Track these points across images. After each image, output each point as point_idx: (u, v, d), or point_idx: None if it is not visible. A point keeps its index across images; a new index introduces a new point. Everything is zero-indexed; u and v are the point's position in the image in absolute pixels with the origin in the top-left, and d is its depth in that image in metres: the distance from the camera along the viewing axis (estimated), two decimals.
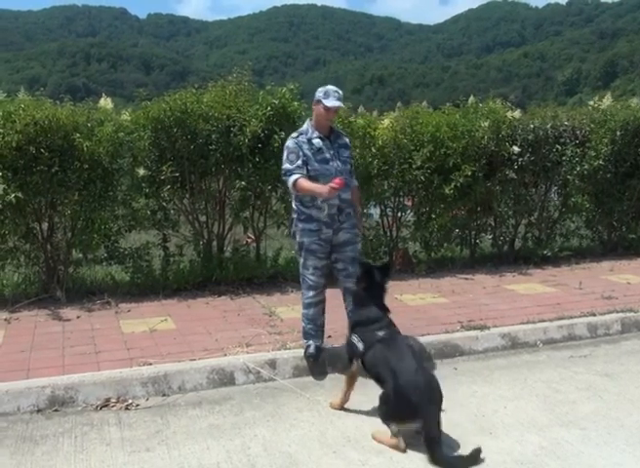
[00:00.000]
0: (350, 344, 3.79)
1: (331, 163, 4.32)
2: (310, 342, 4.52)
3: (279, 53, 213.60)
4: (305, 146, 4.31)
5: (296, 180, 4.25)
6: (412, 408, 3.29)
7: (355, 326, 3.83)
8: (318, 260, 4.38)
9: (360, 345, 3.68)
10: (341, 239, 4.39)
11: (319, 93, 4.33)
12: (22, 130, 5.70)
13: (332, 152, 4.36)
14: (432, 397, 3.35)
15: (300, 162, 4.27)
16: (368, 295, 3.90)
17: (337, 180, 4.06)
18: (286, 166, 4.34)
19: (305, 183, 4.23)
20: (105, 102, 6.69)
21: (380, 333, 3.67)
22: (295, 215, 4.46)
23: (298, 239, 4.43)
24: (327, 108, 4.27)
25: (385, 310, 3.88)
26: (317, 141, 4.33)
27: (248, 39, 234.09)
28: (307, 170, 4.27)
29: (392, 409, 3.40)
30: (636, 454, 3.32)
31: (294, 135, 4.42)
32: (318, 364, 4.49)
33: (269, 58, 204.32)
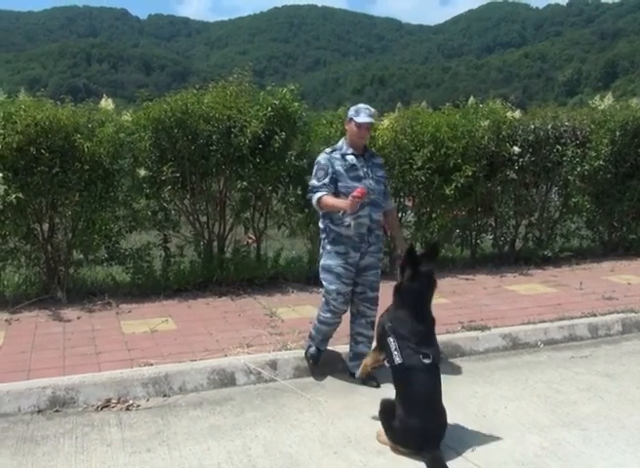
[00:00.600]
0: (384, 345, 3.48)
1: (364, 181, 4.20)
2: (313, 345, 4.50)
3: (279, 53, 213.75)
4: (338, 163, 4.25)
5: (320, 198, 4.19)
6: (413, 444, 3.30)
7: (395, 330, 3.44)
8: (344, 286, 4.26)
9: (398, 358, 3.37)
10: (365, 263, 4.29)
11: (351, 111, 4.31)
12: (23, 130, 5.70)
13: (365, 170, 4.27)
14: (435, 440, 3.31)
15: (327, 180, 4.20)
16: (414, 295, 3.50)
17: (358, 190, 3.94)
18: (313, 182, 4.29)
19: (329, 200, 4.17)
20: (106, 103, 6.70)
21: (426, 361, 3.34)
22: (323, 235, 4.37)
23: (322, 262, 4.34)
24: (359, 125, 4.22)
25: (432, 321, 3.52)
26: (351, 158, 4.26)
27: (248, 40, 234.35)
28: (338, 187, 4.20)
29: (394, 435, 3.38)
30: (637, 455, 3.32)
31: (327, 150, 4.38)
32: (318, 365, 4.48)
33: (270, 58, 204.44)
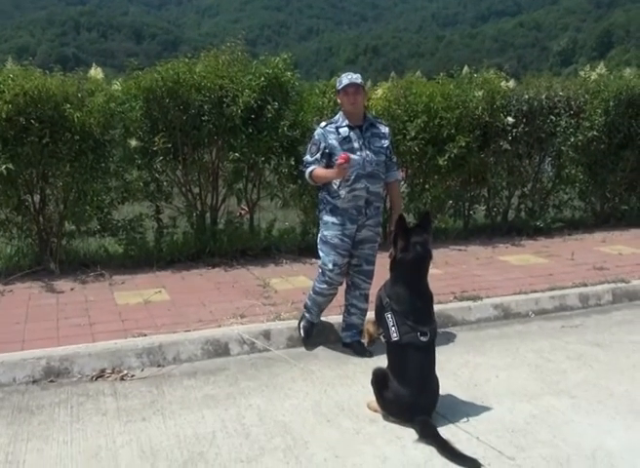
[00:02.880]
0: (382, 320, 3.47)
1: (359, 153, 4.14)
2: (306, 315, 4.52)
3: (272, 22, 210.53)
4: (332, 136, 4.19)
5: (311, 172, 4.20)
6: (405, 415, 3.32)
7: (393, 307, 3.41)
8: (340, 257, 4.24)
9: (395, 335, 3.36)
10: (362, 236, 4.28)
11: (337, 84, 4.29)
12: (12, 100, 5.62)
13: (361, 141, 4.19)
14: (428, 410, 3.34)
15: (318, 155, 4.19)
16: (409, 268, 3.44)
17: (341, 156, 3.94)
18: (306, 157, 4.30)
19: (320, 171, 4.17)
20: (96, 72, 6.62)
21: (423, 339, 3.34)
22: (320, 206, 4.35)
23: (320, 233, 4.34)
24: (345, 91, 4.15)
25: (430, 296, 3.50)
26: (344, 130, 4.19)
27: (240, 8, 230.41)
28: (332, 160, 4.14)
29: (386, 405, 3.41)
30: (625, 422, 3.37)
31: (322, 124, 4.33)
32: (309, 338, 4.50)
33: (262, 27, 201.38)
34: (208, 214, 6.91)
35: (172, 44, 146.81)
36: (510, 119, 7.63)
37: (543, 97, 7.91)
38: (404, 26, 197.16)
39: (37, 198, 6.27)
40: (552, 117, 7.95)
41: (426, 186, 7.66)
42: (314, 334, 4.53)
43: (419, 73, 8.58)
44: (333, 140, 4.18)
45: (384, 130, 4.37)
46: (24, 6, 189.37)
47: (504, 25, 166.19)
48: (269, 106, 6.36)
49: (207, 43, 7.37)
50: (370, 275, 4.39)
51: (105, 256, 6.55)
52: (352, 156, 4.06)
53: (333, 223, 4.23)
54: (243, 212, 7.30)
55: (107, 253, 6.62)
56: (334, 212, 4.22)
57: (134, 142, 6.29)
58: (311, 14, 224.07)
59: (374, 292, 3.84)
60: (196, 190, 6.85)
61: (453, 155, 7.24)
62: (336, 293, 4.46)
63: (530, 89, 8.01)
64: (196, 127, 6.39)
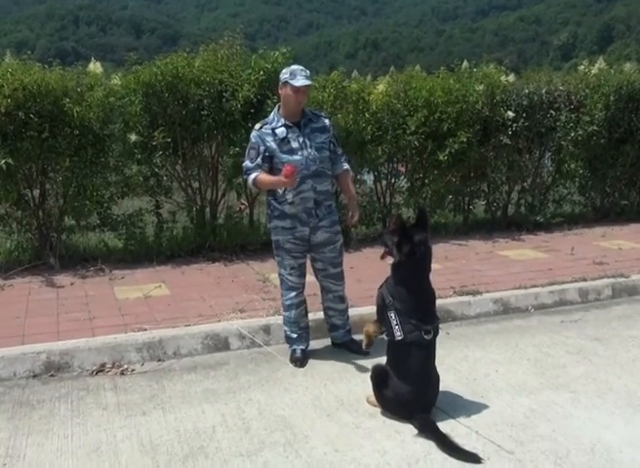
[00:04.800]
0: (384, 319, 3.42)
1: (299, 152, 3.90)
2: (295, 346, 4.25)
3: (272, 16, 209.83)
4: (269, 138, 3.94)
5: (255, 178, 3.96)
6: (404, 412, 3.32)
7: (396, 306, 3.37)
8: (294, 260, 4.06)
9: (399, 334, 3.32)
10: (319, 239, 4.05)
11: (284, 75, 3.91)
12: (11, 95, 5.62)
13: (301, 140, 3.93)
14: (427, 407, 3.35)
15: (259, 160, 3.94)
16: (413, 269, 3.40)
17: (286, 169, 3.69)
18: (246, 163, 4.03)
19: (265, 178, 3.93)
20: (95, 67, 6.59)
21: (427, 338, 3.32)
22: (268, 211, 4.13)
23: (272, 237, 4.13)
24: (296, 89, 3.85)
25: (432, 294, 3.48)
26: (281, 131, 3.93)
27: (240, 2, 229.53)
28: (274, 162, 3.94)
29: (385, 403, 3.41)
30: (624, 417, 3.38)
31: (257, 126, 4.05)
32: (305, 365, 4.16)
33: (261, 21, 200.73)
34: (208, 209, 6.91)
35: (171, 38, 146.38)
36: (511, 113, 7.62)
37: (544, 91, 7.89)
38: (404, 21, 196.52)
39: (37, 193, 6.28)
40: (552, 112, 7.94)
41: (426, 181, 7.65)
42: (314, 329, 4.47)
43: (418, 68, 8.54)
44: (271, 143, 3.94)
45: (325, 122, 4.09)
46: (23, 0, 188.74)
47: (505, 20, 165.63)
48: (269, 101, 6.35)
49: (206, 37, 7.35)
50: (338, 277, 4.20)
51: (105, 251, 6.56)
52: (294, 157, 3.87)
53: (283, 228, 4.02)
54: (243, 206, 7.29)
55: (107, 247, 6.62)
56: (282, 216, 4.01)
57: (133, 137, 6.29)
58: (311, 8, 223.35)
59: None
60: (196, 185, 6.85)
61: (453, 150, 7.23)
62: (304, 299, 4.25)
63: (530, 83, 8.00)
64: (196, 121, 6.38)
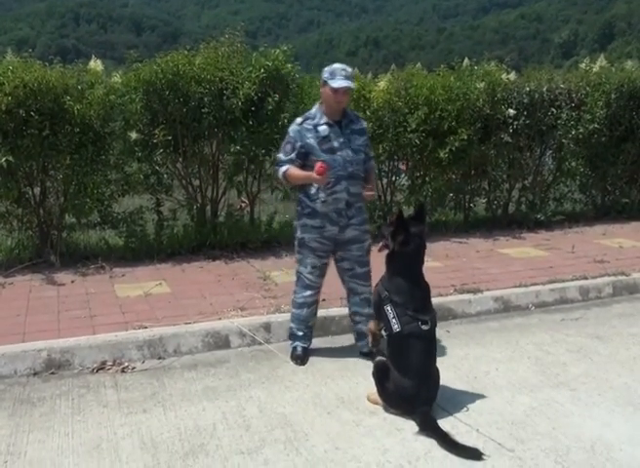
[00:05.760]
0: (382, 314, 3.44)
1: (339, 153, 3.85)
2: (297, 343, 4.22)
3: (272, 14, 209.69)
4: (309, 135, 3.87)
5: (285, 172, 3.94)
6: (407, 406, 3.33)
7: (392, 299, 3.40)
8: (318, 259, 4.02)
9: (396, 326, 3.35)
10: (348, 236, 3.98)
11: (325, 73, 3.85)
12: (12, 92, 5.61)
13: (341, 140, 3.88)
14: (428, 402, 3.35)
15: (293, 155, 3.90)
16: (407, 260, 3.45)
17: (319, 165, 3.68)
18: (279, 156, 4.01)
19: (296, 173, 3.89)
20: (95, 64, 6.59)
21: (424, 328, 3.34)
22: (299, 208, 4.07)
23: (298, 234, 4.06)
24: (334, 90, 3.78)
25: (427, 286, 3.51)
26: (323, 129, 3.87)
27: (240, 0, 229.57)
28: (310, 160, 3.86)
29: (387, 397, 3.42)
30: (624, 415, 3.38)
31: (298, 120, 3.98)
32: (305, 363, 4.15)
33: (262, 19, 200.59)
34: (208, 207, 6.91)
35: (172, 36, 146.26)
36: (511, 111, 7.61)
37: (544, 89, 7.88)
38: (405, 18, 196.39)
39: (37, 190, 6.27)
40: (553, 110, 7.93)
41: (427, 179, 7.64)
42: (316, 328, 4.42)
43: (419, 65, 8.55)
44: (311, 140, 3.87)
45: (362, 125, 4.07)
46: None
47: (506, 17, 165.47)
48: (270, 99, 6.34)
49: (207, 35, 7.34)
50: (365, 277, 4.11)
51: (106, 249, 6.55)
52: (333, 157, 3.84)
53: (312, 226, 3.98)
54: (243, 204, 7.29)
55: (108, 245, 6.62)
56: (312, 214, 3.97)
57: (134, 135, 6.28)
58: (311, 5, 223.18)
59: None
60: (196, 183, 6.84)
61: (454, 148, 7.22)
62: (318, 301, 4.22)
63: (531, 81, 7.99)
64: (196, 119, 6.37)
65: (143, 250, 6.51)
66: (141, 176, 6.60)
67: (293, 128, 3.98)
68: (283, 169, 3.96)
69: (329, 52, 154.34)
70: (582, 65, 9.00)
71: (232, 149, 6.55)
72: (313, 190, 3.93)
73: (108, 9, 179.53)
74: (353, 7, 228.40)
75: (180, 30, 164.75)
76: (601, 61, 8.97)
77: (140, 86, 6.22)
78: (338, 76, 3.80)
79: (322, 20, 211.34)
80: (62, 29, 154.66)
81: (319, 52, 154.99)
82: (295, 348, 4.24)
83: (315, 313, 4.26)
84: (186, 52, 6.48)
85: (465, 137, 7.20)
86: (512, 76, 7.93)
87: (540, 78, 8.09)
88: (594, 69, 8.68)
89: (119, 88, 6.30)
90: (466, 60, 8.35)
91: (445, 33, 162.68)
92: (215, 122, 6.39)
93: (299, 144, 3.91)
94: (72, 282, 5.68)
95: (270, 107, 6.37)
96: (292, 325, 4.25)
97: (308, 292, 4.12)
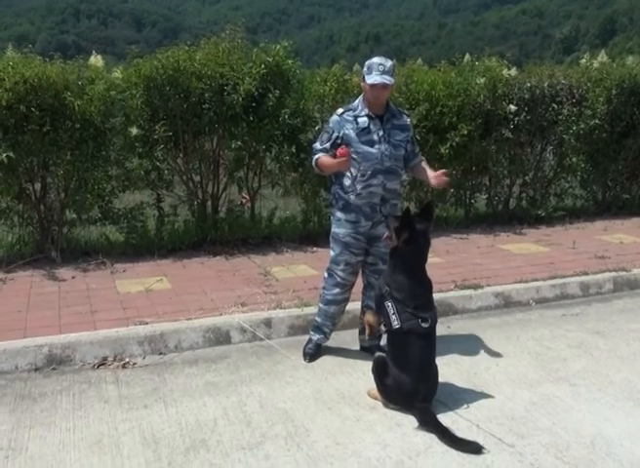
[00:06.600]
0: (382, 309, 3.45)
1: (377, 146, 3.80)
2: (317, 337, 4.19)
3: (273, 9, 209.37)
4: (349, 125, 3.83)
5: (317, 160, 3.92)
6: (406, 402, 3.34)
7: (393, 295, 3.40)
8: (352, 256, 3.96)
9: (396, 322, 3.35)
10: (379, 232, 3.88)
11: (364, 68, 3.82)
12: (12, 88, 5.60)
13: (381, 133, 3.83)
14: (428, 397, 3.36)
15: (328, 144, 3.86)
16: (410, 257, 3.44)
17: (339, 151, 3.69)
18: (315, 145, 3.99)
19: (325, 160, 3.87)
20: (96, 60, 6.58)
21: (424, 326, 3.34)
22: (333, 202, 4.03)
23: (333, 229, 4.01)
24: (371, 85, 3.74)
25: (429, 283, 3.51)
26: (363, 120, 3.83)
27: None
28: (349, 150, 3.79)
29: (386, 393, 3.42)
30: (625, 410, 3.39)
31: (339, 111, 3.95)
32: (314, 360, 4.13)
33: (263, 14, 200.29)
34: (209, 203, 6.90)
35: (172, 31, 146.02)
36: (513, 107, 7.59)
37: (546, 85, 7.87)
38: (406, 14, 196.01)
39: (38, 186, 6.27)
40: (554, 105, 7.92)
41: None
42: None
43: (420, 61, 8.54)
44: (350, 130, 3.83)
45: (406, 121, 4.01)
46: None
47: (507, 13, 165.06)
48: (270, 94, 6.33)
49: (208, 30, 7.33)
50: None
51: (107, 245, 6.56)
52: (370, 149, 3.80)
53: (346, 221, 3.93)
54: (244, 200, 7.29)
55: (109, 241, 6.63)
56: (346, 208, 3.92)
57: (134, 131, 6.27)
58: (312, 1, 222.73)
59: None
60: (197, 178, 6.84)
61: (454, 143, 7.21)
62: (348, 298, 4.15)
63: (532, 77, 7.97)
64: (197, 115, 6.37)
65: (144, 245, 6.51)
66: (142, 172, 6.59)
67: (333, 118, 3.95)
68: (316, 157, 3.95)
69: (329, 47, 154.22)
70: (584, 61, 8.98)
71: (233, 145, 6.55)
72: (348, 182, 3.89)
73: (109, 4, 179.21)
74: (354, 2, 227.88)
75: (181, 26, 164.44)
76: (602, 57, 8.94)
77: (140, 81, 6.21)
78: (374, 71, 3.75)
79: (323, 16, 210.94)
80: (63, 25, 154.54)
81: (320, 47, 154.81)
82: (310, 340, 4.21)
83: (343, 311, 4.21)
84: (187, 47, 6.47)
85: (466, 133, 7.19)
86: (513, 72, 7.91)
87: (540, 74, 8.07)
88: (595, 65, 8.65)
89: (120, 83, 6.29)
90: (467, 56, 8.33)
91: (446, 29, 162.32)
92: (215, 118, 6.38)
93: (335, 135, 3.87)
94: (73, 277, 5.68)
95: (271, 103, 6.36)
96: (317, 319, 4.20)
97: (337, 290, 4.07)
